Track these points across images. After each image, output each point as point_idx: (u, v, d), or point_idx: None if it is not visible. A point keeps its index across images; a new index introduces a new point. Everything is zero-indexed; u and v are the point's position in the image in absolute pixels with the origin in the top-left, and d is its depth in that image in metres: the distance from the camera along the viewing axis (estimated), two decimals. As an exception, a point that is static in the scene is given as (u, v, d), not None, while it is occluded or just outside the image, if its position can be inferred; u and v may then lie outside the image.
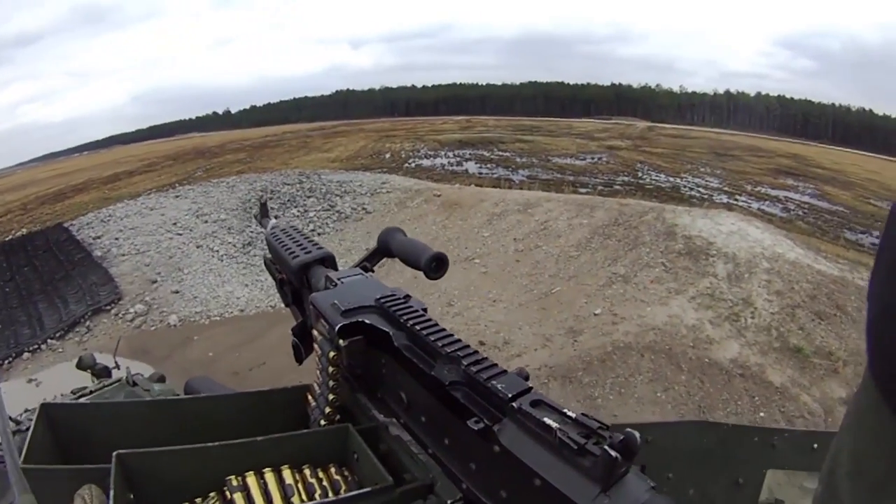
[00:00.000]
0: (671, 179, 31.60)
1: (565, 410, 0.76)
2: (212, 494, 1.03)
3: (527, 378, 0.95)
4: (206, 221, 20.02)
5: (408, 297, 1.18)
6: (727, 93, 79.68)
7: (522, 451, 0.75)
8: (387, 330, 1.07)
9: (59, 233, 21.05)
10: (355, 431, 1.12)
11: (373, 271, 1.46)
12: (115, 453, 0.96)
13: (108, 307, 14.81)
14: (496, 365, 0.89)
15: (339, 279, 1.31)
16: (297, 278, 1.49)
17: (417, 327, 1.03)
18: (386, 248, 1.45)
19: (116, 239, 19.17)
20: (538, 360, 9.99)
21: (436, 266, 1.29)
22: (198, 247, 18.06)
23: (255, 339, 11.90)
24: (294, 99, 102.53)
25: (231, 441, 1.05)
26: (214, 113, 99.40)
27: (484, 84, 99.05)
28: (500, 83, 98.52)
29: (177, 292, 15.31)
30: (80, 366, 3.66)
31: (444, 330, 1.01)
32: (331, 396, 1.18)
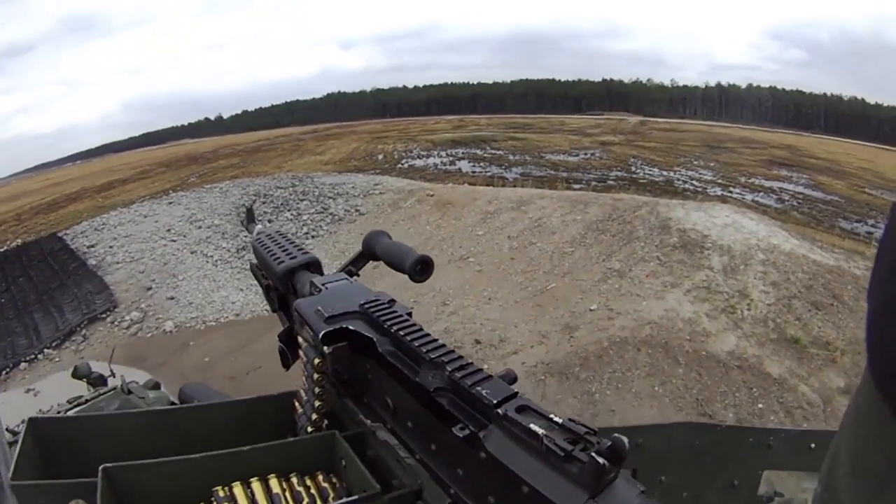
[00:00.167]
0: (665, 173, 31.60)
1: (552, 416, 0.75)
2: (199, 505, 1.02)
3: (514, 380, 0.94)
4: (200, 227, 19.98)
5: (392, 301, 1.17)
6: (718, 85, 79.74)
7: (509, 457, 0.75)
8: (371, 336, 1.07)
9: (53, 242, 21.01)
10: (342, 438, 1.11)
11: (358, 275, 1.46)
12: (101, 467, 0.95)
13: (104, 315, 14.75)
14: (481, 370, 0.88)
15: (323, 284, 1.30)
16: (282, 284, 1.49)
17: (402, 333, 1.02)
18: (371, 252, 1.45)
19: (111, 247, 19.11)
20: (535, 357, 10.00)
21: (420, 269, 1.29)
22: (192, 253, 18.02)
23: (250, 343, 11.87)
24: (286, 103, 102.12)
25: (217, 451, 1.04)
26: (206, 119, 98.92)
27: (475, 83, 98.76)
28: (490, 82, 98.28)
29: (172, 298, 15.27)
30: (76, 375, 3.65)
31: (428, 335, 1.01)
32: (317, 403, 1.18)
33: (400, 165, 33.39)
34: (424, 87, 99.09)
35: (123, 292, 15.82)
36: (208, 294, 15.30)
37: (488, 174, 30.07)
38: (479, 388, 0.83)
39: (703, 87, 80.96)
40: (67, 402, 3.09)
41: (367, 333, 1.08)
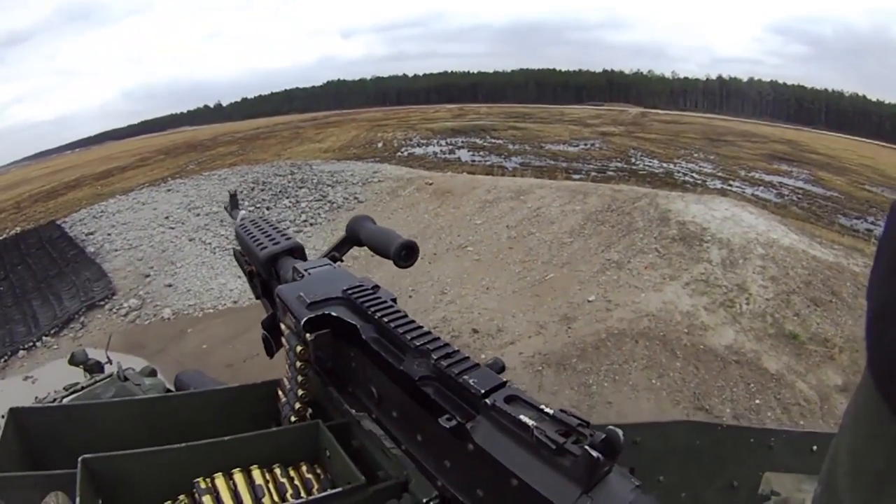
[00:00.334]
0: (664, 165, 31.57)
1: (542, 406, 0.72)
2: (181, 497, 1.00)
3: (502, 369, 0.92)
4: (199, 214, 19.93)
5: (376, 287, 1.15)
6: (720, 78, 79.72)
7: (497, 449, 0.73)
8: (354, 322, 1.04)
9: (51, 230, 20.96)
10: (326, 428, 1.09)
11: (342, 260, 1.43)
12: (80, 458, 0.93)
13: (102, 303, 14.74)
14: (468, 358, 0.86)
15: (306, 270, 1.28)
16: (265, 270, 1.47)
17: (385, 319, 1.00)
18: (355, 237, 1.43)
19: (109, 234, 19.08)
20: (532, 347, 9.98)
21: (405, 254, 1.26)
22: (190, 240, 17.98)
23: (248, 330, 11.83)
24: (285, 90, 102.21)
25: (198, 442, 1.02)
26: (206, 106, 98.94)
27: (475, 72, 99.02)
28: (491, 71, 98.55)
29: (170, 286, 15.25)
30: (73, 362, 3.63)
31: (413, 322, 0.98)
32: (300, 392, 1.16)
33: (399, 154, 33.33)
34: (425, 75, 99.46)
35: (122, 279, 15.81)
36: (206, 281, 15.29)
37: (488, 163, 30.04)
38: (466, 377, 0.81)
39: (705, 79, 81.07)
40: (64, 388, 3.07)
41: (350, 320, 1.05)
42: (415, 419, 0.91)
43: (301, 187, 21.47)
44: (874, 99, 67.97)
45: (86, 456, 0.93)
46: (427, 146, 37.08)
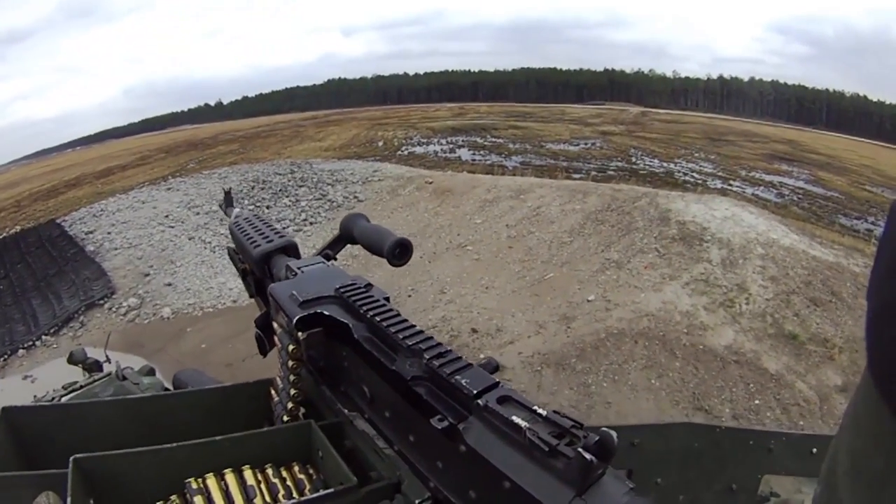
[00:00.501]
0: (665, 164, 31.58)
1: (535, 407, 0.72)
2: (173, 497, 0.99)
3: (496, 369, 0.91)
4: (199, 213, 19.93)
5: (369, 286, 1.14)
6: (720, 78, 79.53)
7: (490, 451, 0.72)
8: (346, 321, 1.04)
9: (51, 229, 20.98)
10: (318, 428, 1.08)
11: (335, 259, 1.43)
12: (71, 458, 0.92)
13: (102, 301, 14.75)
14: (460, 358, 0.86)
15: (299, 268, 1.28)
16: (259, 268, 1.47)
17: (378, 318, 0.99)
18: (349, 235, 1.42)
19: (109, 233, 19.09)
20: (531, 347, 9.98)
21: (399, 252, 1.25)
22: (190, 239, 17.99)
23: (247, 329, 11.69)
24: (286, 89, 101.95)
25: (190, 441, 1.01)
26: (206, 104, 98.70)
27: (476, 70, 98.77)
28: (492, 69, 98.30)
29: (169, 285, 15.26)
30: (72, 361, 3.65)
31: (406, 321, 0.98)
32: (293, 391, 1.15)
33: (400, 152, 33.35)
34: (425, 74, 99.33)
35: (121, 278, 15.81)
36: (206, 280, 15.29)
37: (488, 162, 30.07)
38: (458, 378, 0.81)
39: (706, 79, 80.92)
40: (62, 387, 3.08)
41: (342, 319, 1.05)
42: (407, 419, 0.90)
43: (301, 186, 21.48)
44: (875, 99, 67.96)
45: (77, 455, 0.92)
46: (427, 145, 37.12)
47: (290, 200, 20.31)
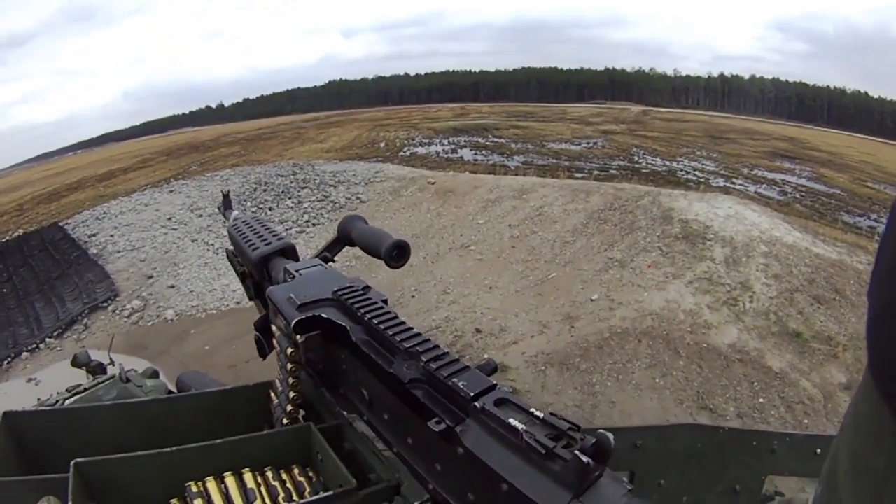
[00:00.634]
0: (667, 163, 31.62)
1: (532, 410, 0.72)
2: (173, 501, 0.99)
3: (494, 371, 0.91)
4: (201, 215, 19.98)
5: (367, 288, 1.14)
6: (721, 76, 79.62)
7: (487, 454, 0.72)
8: (344, 324, 1.03)
9: (54, 232, 21.09)
10: (317, 431, 1.07)
11: (334, 261, 1.42)
12: (72, 462, 0.92)
13: (105, 304, 14.80)
14: (458, 360, 0.85)
15: (297, 271, 1.27)
16: (257, 271, 1.47)
17: (375, 321, 0.99)
18: (346, 237, 1.41)
19: (111, 236, 19.16)
20: (535, 347, 9.98)
21: (397, 254, 1.24)
22: (193, 241, 18.04)
23: (251, 331, 11.68)
24: (287, 90, 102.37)
25: (189, 445, 1.01)
26: (208, 107, 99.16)
27: (477, 71, 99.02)
28: (493, 69, 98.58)
29: (173, 287, 15.29)
30: (75, 363, 3.65)
31: (403, 323, 0.98)
32: (292, 394, 1.15)
33: (402, 153, 33.45)
34: (426, 74, 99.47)
35: (124, 281, 15.86)
36: (209, 282, 15.32)
37: (490, 162, 30.14)
38: (455, 380, 0.81)
39: (706, 77, 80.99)
40: (66, 390, 3.08)
41: (340, 322, 1.05)
42: (405, 422, 0.90)
43: (303, 187, 21.51)
44: (876, 96, 67.89)
45: (78, 460, 0.92)
46: (429, 145, 37.21)
47: (292, 202, 20.35)
